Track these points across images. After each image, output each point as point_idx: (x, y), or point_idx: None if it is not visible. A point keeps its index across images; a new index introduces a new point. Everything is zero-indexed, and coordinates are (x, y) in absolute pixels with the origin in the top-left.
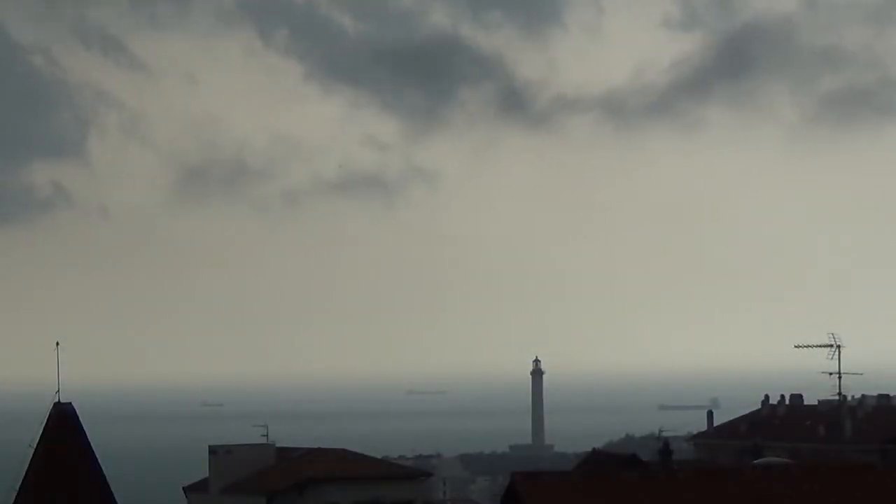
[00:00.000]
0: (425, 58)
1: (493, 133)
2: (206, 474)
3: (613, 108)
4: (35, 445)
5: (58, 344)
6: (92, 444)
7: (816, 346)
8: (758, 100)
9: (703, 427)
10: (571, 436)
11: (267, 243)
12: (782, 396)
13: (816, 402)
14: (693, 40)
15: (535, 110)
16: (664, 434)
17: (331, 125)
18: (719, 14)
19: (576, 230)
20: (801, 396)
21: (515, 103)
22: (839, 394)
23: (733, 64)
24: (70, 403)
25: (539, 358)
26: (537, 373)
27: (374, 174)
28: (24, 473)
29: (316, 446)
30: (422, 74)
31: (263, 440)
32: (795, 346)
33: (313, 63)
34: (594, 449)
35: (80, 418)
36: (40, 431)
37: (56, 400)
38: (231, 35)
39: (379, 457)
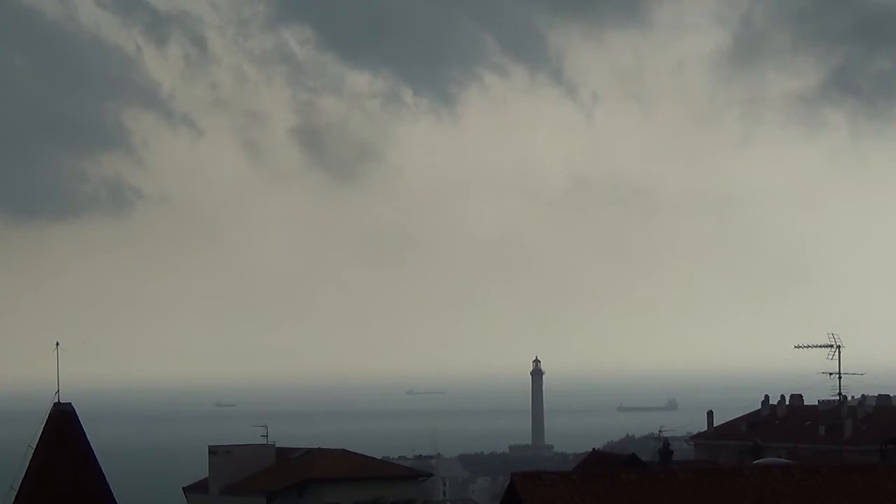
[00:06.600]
0: None
1: None
2: (206, 474)
3: None
4: (35, 445)
5: (58, 344)
6: (92, 445)
7: (816, 347)
8: None
9: (704, 427)
10: (571, 436)
11: (275, 243)
12: (782, 396)
13: (816, 403)
14: None
15: None
16: (664, 434)
17: None
18: None
19: (575, 229)
20: (801, 396)
21: None
22: (839, 394)
23: None
24: (70, 403)
25: (539, 358)
26: (537, 373)
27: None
28: (24, 473)
29: (316, 446)
30: None
31: (263, 440)
32: (795, 347)
33: None
34: (594, 449)
35: (80, 418)
36: (40, 431)
37: (56, 400)
38: None
39: (379, 457)
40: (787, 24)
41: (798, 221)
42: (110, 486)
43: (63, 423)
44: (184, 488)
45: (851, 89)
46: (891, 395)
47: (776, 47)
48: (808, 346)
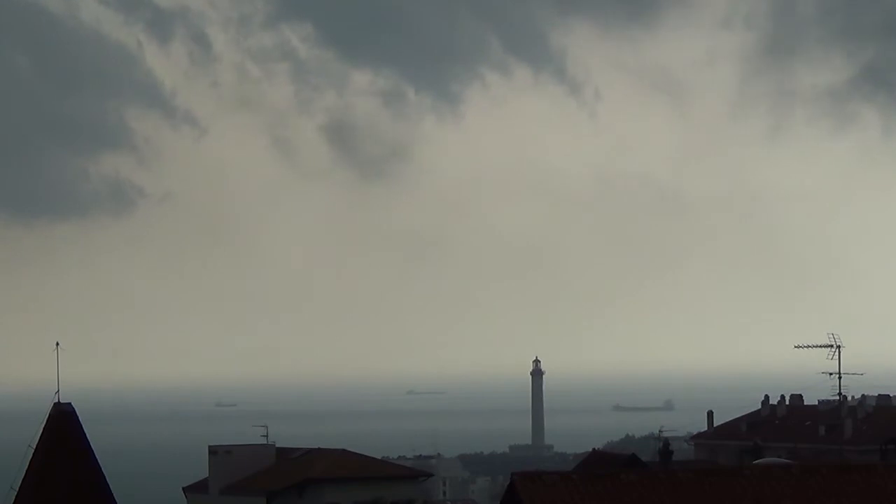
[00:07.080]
0: None
1: None
2: (206, 474)
3: None
4: (35, 445)
5: (58, 344)
6: (92, 445)
7: (816, 347)
8: None
9: (704, 427)
10: (571, 436)
11: (276, 243)
12: (782, 396)
13: (816, 403)
14: None
15: None
16: (664, 434)
17: None
18: None
19: (576, 229)
20: (801, 396)
21: None
22: (839, 394)
23: None
24: (70, 403)
25: (539, 358)
26: (537, 373)
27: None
28: (24, 473)
29: (316, 446)
30: None
31: (263, 440)
32: (795, 347)
33: None
34: (594, 449)
35: (80, 418)
36: (40, 431)
37: (56, 400)
38: None
39: (379, 457)
40: (817, 19)
41: (805, 220)
42: (110, 486)
43: (63, 423)
44: (184, 488)
45: (883, 84)
46: (891, 395)
47: (806, 42)
48: (808, 346)
